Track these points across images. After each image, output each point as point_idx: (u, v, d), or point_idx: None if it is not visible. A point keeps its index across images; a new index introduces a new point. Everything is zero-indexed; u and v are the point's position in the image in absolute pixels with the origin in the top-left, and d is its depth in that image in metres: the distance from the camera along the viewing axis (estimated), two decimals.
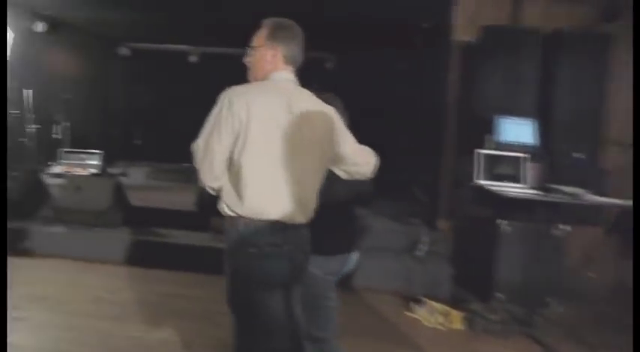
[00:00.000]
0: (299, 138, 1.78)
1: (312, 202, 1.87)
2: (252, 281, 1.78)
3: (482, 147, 3.88)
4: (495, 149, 3.84)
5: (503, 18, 4.61)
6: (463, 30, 4.73)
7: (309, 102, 1.87)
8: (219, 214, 1.85)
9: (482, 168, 3.78)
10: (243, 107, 1.70)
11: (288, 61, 1.85)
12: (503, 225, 3.79)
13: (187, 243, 4.71)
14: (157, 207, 5.25)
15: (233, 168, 1.75)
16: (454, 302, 3.92)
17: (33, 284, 4.07)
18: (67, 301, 3.74)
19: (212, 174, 1.76)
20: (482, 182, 3.75)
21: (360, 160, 2.03)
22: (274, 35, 1.84)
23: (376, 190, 2.35)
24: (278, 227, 1.75)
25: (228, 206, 1.78)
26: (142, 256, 4.62)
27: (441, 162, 4.86)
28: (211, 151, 1.73)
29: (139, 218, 5.06)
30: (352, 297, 4.15)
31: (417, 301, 3.87)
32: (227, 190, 1.78)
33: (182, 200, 4.99)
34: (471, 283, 4.15)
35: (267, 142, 1.72)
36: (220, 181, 1.78)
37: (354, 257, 2.36)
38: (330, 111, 1.93)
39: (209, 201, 2.04)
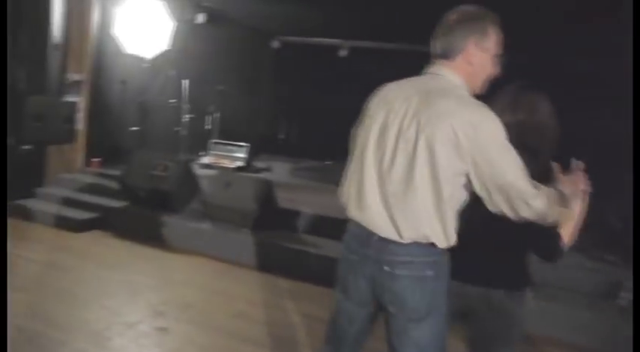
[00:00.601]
0: (404, 143, 1.55)
1: (418, 224, 1.54)
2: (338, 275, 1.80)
3: None
4: None
5: None
6: None
7: (442, 103, 1.53)
8: None
9: None
10: (368, 103, 1.73)
11: (433, 54, 1.70)
12: None
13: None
14: (305, 212, 4.82)
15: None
16: None
17: (179, 285, 3.90)
18: (211, 312, 3.46)
19: None
20: None
21: (508, 193, 1.48)
22: None
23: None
24: (363, 233, 1.63)
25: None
26: (288, 266, 4.26)
27: None
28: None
29: (286, 221, 4.73)
30: (530, 349, 3.36)
31: None
32: None
33: (332, 204, 4.53)
34: None
35: (367, 141, 1.65)
36: None
37: None
38: (484, 120, 1.49)
39: None
